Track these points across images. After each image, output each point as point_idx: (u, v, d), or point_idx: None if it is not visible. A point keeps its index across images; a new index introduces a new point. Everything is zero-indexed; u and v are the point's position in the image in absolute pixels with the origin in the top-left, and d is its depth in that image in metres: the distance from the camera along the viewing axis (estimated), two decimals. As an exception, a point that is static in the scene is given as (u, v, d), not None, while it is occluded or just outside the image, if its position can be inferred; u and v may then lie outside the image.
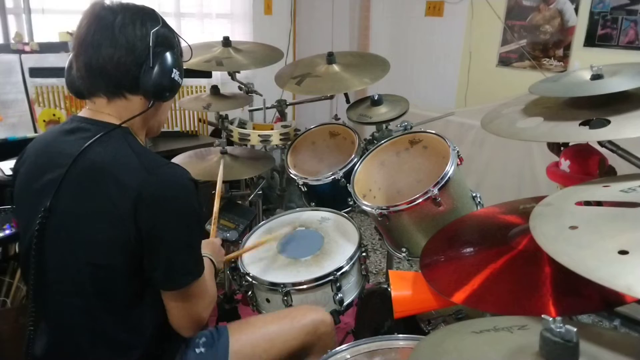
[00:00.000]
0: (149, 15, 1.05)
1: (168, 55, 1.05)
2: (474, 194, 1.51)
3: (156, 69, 1.03)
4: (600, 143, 1.07)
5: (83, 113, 1.09)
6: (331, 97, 2.30)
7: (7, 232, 1.62)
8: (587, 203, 0.83)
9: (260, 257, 1.53)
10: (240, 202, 1.98)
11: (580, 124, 0.97)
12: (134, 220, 0.97)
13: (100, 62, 1.01)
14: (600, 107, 0.99)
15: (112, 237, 0.99)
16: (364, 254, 1.52)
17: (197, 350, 1.18)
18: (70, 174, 1.00)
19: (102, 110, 1.06)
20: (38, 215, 1.01)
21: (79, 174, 1.00)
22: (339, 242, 1.54)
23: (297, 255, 1.50)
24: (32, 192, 1.05)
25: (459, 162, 1.43)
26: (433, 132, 1.56)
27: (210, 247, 1.32)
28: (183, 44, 1.16)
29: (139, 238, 0.98)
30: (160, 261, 1.01)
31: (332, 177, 1.69)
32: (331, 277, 1.38)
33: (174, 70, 1.06)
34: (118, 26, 1.01)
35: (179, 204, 1.01)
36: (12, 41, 2.31)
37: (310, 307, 1.34)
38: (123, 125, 1.06)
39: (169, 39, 1.08)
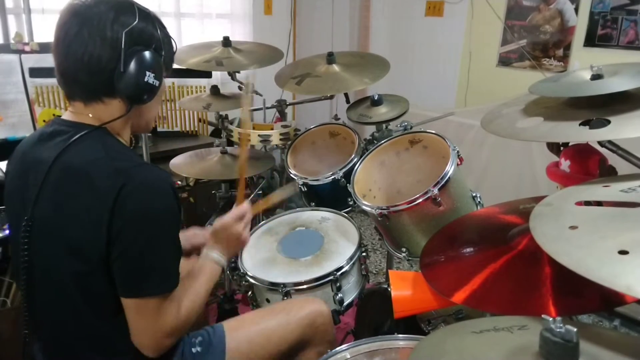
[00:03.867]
0: (123, 12, 0.99)
1: (142, 56, 1.00)
2: (474, 194, 1.51)
3: (128, 72, 0.98)
4: (600, 143, 1.07)
5: (65, 115, 1.07)
6: (331, 97, 2.30)
7: (7, 232, 1.62)
8: (587, 203, 0.83)
9: (261, 257, 1.53)
10: (240, 202, 1.97)
11: (580, 124, 0.96)
12: (107, 225, 0.94)
13: (72, 67, 0.98)
14: (600, 107, 0.99)
15: (89, 241, 0.96)
16: (364, 254, 1.52)
17: (194, 350, 1.17)
18: (48, 179, 0.99)
19: (81, 112, 1.04)
20: (23, 219, 1.00)
21: (56, 179, 0.99)
22: (339, 242, 1.54)
23: (297, 255, 1.50)
24: (17, 197, 1.05)
25: (459, 162, 1.43)
26: (433, 132, 1.56)
27: (220, 235, 1.23)
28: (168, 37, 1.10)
29: (110, 242, 0.95)
30: (124, 266, 0.97)
31: (332, 177, 1.69)
32: (331, 277, 1.38)
33: (148, 72, 1.01)
34: (88, 27, 0.97)
35: (149, 207, 0.97)
36: (12, 41, 2.31)
37: (307, 299, 1.33)
38: (100, 126, 1.03)
39: (145, 36, 1.02)
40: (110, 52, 0.97)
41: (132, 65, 0.99)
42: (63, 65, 1.00)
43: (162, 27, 1.08)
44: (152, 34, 1.04)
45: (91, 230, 0.96)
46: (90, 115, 1.04)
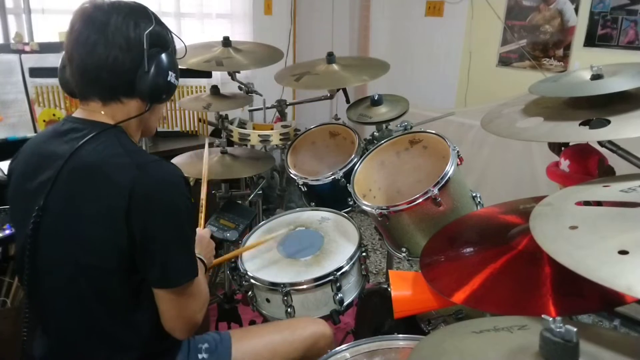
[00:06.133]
0: (142, 14, 1.03)
1: (163, 57, 1.04)
2: (474, 194, 1.51)
3: (152, 72, 1.02)
4: (600, 143, 1.07)
5: (77, 113, 1.08)
6: (331, 97, 2.30)
7: (7, 232, 1.62)
8: (587, 203, 0.83)
9: (261, 257, 1.53)
10: (240, 202, 1.98)
11: (580, 124, 0.97)
12: (126, 218, 0.96)
13: (95, 67, 1.00)
14: (600, 107, 0.99)
15: (105, 237, 0.98)
16: (364, 254, 1.52)
17: (200, 356, 1.18)
18: (62, 175, 1.00)
19: (96, 110, 1.05)
20: (31, 217, 1.00)
21: (70, 174, 1.00)
22: (339, 242, 1.54)
23: (297, 255, 1.50)
24: (25, 193, 1.05)
25: (459, 162, 1.43)
26: (433, 132, 1.56)
27: (200, 245, 1.29)
28: (177, 42, 1.14)
29: (131, 237, 0.97)
30: (154, 260, 1.00)
31: (332, 177, 1.69)
32: (331, 277, 1.38)
33: (170, 72, 1.05)
34: (112, 29, 0.99)
35: (170, 201, 1.00)
36: (12, 41, 2.31)
37: (312, 320, 1.34)
38: (115, 125, 1.05)
39: (162, 38, 1.07)
40: (135, 54, 1.01)
41: (157, 66, 1.03)
42: (83, 66, 1.01)
43: (170, 32, 1.12)
44: (166, 37, 1.08)
45: (108, 224, 0.97)
46: (107, 114, 1.05)
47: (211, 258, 1.35)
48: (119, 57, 1.00)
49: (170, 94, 1.09)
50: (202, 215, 1.51)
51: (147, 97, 1.06)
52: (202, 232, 1.38)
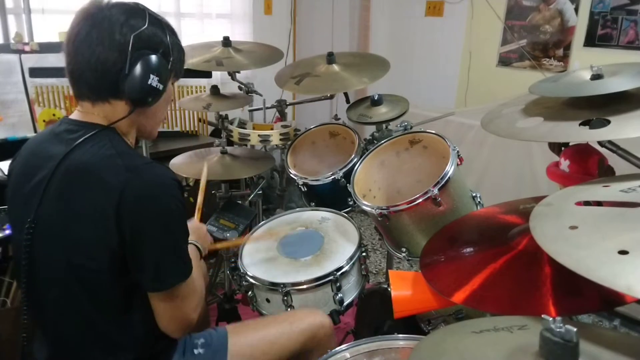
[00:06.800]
0: (134, 16, 1.01)
1: (149, 59, 1.01)
2: (474, 194, 1.51)
3: (133, 74, 1.00)
4: (600, 143, 1.07)
5: (73, 115, 1.08)
6: (331, 97, 2.30)
7: (7, 232, 1.62)
8: (587, 203, 0.83)
9: (261, 257, 1.53)
10: (240, 202, 1.98)
11: (580, 124, 0.97)
12: (117, 220, 0.96)
13: (79, 68, 1.00)
14: (600, 107, 0.99)
15: (96, 238, 0.98)
16: (364, 254, 1.52)
17: (196, 352, 1.17)
18: (55, 176, 1.00)
19: (89, 112, 1.05)
20: (27, 217, 1.01)
21: (64, 176, 1.00)
22: (339, 242, 1.54)
23: (297, 255, 1.50)
24: (22, 194, 1.05)
25: (459, 162, 1.43)
26: (433, 132, 1.56)
27: (196, 233, 1.31)
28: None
29: (122, 239, 0.97)
30: (145, 262, 1.00)
31: (332, 177, 1.69)
32: (331, 277, 1.38)
33: (152, 75, 1.02)
34: (100, 28, 0.98)
35: (161, 203, 0.99)
36: (12, 41, 2.31)
37: (310, 311, 1.34)
38: (109, 126, 1.05)
39: (154, 41, 1.04)
40: (117, 55, 0.99)
41: (137, 68, 1.01)
42: (71, 66, 1.02)
43: (173, 34, 1.09)
44: (161, 40, 1.05)
45: (99, 226, 0.97)
46: (99, 115, 1.05)
47: (206, 249, 1.36)
48: (101, 56, 0.99)
49: (156, 98, 1.07)
50: (198, 214, 1.50)
51: (130, 100, 1.04)
52: (200, 224, 1.40)
